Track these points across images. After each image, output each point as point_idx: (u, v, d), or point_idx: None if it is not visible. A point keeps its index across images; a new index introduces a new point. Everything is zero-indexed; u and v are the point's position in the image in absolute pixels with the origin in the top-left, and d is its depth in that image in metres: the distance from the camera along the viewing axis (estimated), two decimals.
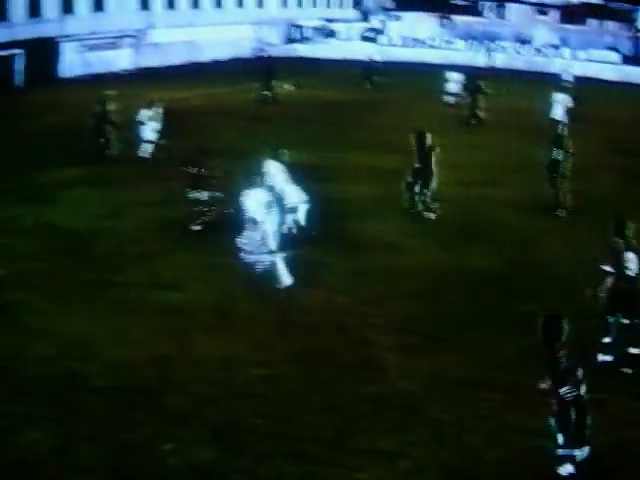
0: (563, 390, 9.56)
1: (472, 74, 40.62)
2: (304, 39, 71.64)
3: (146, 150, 28.46)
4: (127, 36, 57.39)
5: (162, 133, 28.75)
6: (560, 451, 9.82)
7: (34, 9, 51.79)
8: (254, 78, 42.91)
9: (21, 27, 50.36)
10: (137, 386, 12.44)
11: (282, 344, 13.98)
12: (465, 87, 39.40)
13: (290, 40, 71.15)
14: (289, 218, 18.64)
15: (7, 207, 21.62)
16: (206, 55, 61.25)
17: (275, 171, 18.60)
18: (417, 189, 21.47)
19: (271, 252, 16.18)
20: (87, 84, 46.47)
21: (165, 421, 11.51)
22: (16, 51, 49.03)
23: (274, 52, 62.65)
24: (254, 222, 16.23)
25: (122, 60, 56.67)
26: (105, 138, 27.59)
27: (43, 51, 50.44)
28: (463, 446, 11.12)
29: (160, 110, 29.09)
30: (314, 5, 76.22)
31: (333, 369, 13.07)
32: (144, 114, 28.95)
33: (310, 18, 73.00)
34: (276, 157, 19.06)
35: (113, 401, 11.98)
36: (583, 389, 9.77)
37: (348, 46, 67.50)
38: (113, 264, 17.86)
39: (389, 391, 12.48)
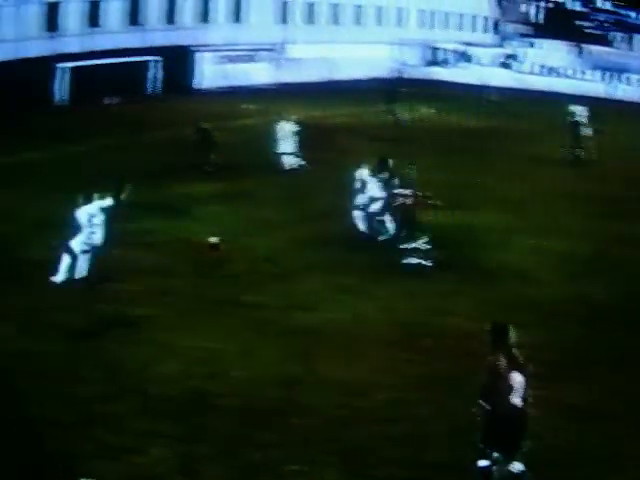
0: None
1: (595, 106, 39.21)
2: (442, 62, 71.13)
3: (287, 164, 28.92)
4: (265, 49, 57.81)
5: (299, 150, 29.20)
6: None
7: (170, 16, 52.91)
8: (389, 99, 43.12)
9: (156, 33, 51.50)
10: (264, 406, 12.54)
11: (410, 368, 13.98)
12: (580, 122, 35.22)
13: (428, 62, 70.79)
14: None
15: (140, 220, 21.96)
16: (344, 73, 60.58)
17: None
18: None
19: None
20: (222, 97, 47.40)
21: (291, 442, 11.57)
22: (150, 58, 50.13)
23: (412, 74, 62.46)
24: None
25: (259, 74, 56.83)
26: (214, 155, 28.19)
27: (178, 59, 51.14)
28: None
29: (296, 126, 29.52)
30: (454, 28, 75.43)
31: (459, 394, 13.00)
32: (282, 129, 29.40)
33: (449, 41, 72.36)
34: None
35: (240, 421, 12.10)
36: None
37: (484, 71, 66.59)
38: (246, 282, 18.09)
39: None
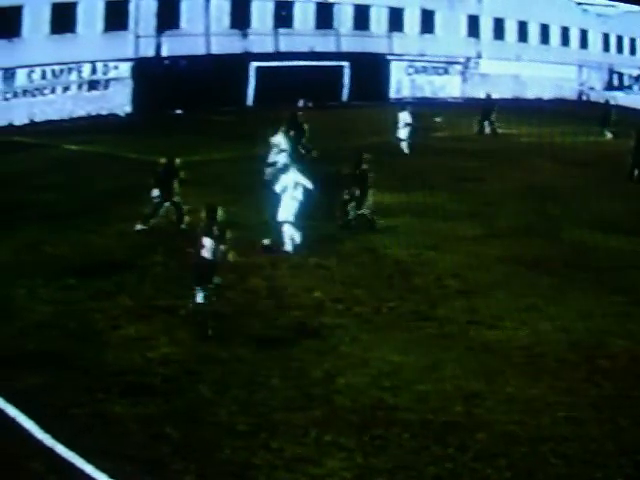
0: None
1: None
2: (624, 87, 69.36)
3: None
4: (454, 62, 58.18)
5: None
6: None
7: (361, 22, 53.86)
8: (576, 121, 42.66)
9: (348, 39, 52.62)
10: (444, 421, 12.88)
11: (587, 388, 14.15)
12: None
13: (610, 87, 69.17)
14: None
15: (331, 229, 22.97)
16: (530, 91, 60.57)
17: None
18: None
19: None
20: (414, 108, 47.78)
21: (469, 457, 11.88)
22: (344, 63, 51.23)
23: (594, 97, 61.05)
24: None
25: (447, 87, 57.56)
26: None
27: (370, 67, 52.21)
28: None
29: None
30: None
31: (631, 415, 13.13)
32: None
33: (633, 66, 70.45)
34: None
35: (419, 434, 12.46)
36: None
37: None
38: (432, 297, 18.51)
39: None
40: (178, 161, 22.84)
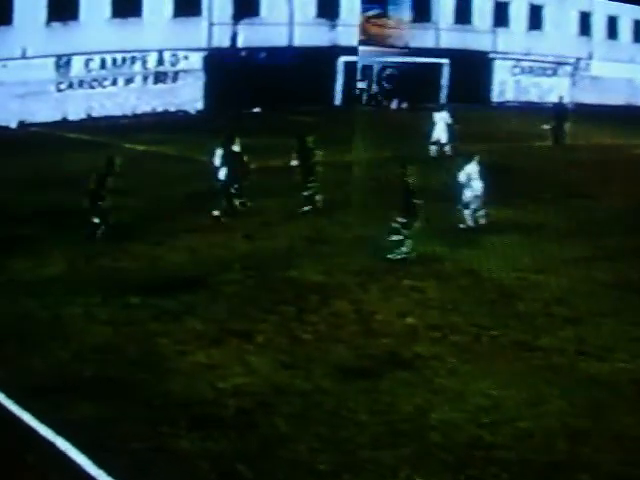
0: None
1: None
2: None
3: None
4: (565, 63, 57.69)
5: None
6: None
7: (463, 15, 53.62)
8: None
9: (447, 34, 52.48)
10: (546, 460, 12.86)
11: None
12: None
13: None
14: None
15: (427, 244, 23.13)
16: None
17: None
18: None
19: None
20: (516, 111, 47.66)
21: None
22: (443, 61, 51.09)
23: None
24: None
25: (558, 90, 55.78)
26: None
27: (472, 65, 51.88)
28: None
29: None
30: None
31: None
32: None
33: None
34: None
35: (519, 475, 12.47)
36: None
37: None
38: (537, 325, 18.49)
39: None
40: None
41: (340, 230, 24.84)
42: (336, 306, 19.08)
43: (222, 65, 45.34)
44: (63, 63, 41.55)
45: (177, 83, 45.00)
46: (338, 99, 48.94)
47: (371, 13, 52.08)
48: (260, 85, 44.70)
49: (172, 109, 44.46)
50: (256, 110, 45.03)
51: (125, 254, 22.04)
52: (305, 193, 26.79)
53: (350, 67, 48.62)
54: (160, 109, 44.14)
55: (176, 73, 44.96)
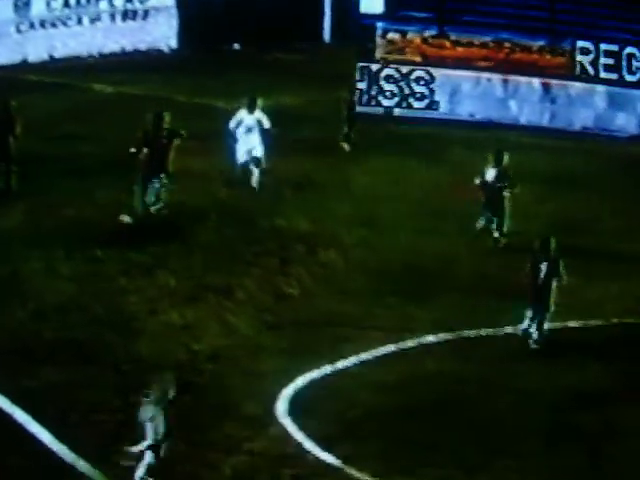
0: None
1: None
2: None
3: None
4: None
5: None
6: None
7: None
8: None
9: None
10: None
11: None
12: None
13: None
14: None
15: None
16: None
17: None
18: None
19: None
20: None
21: None
22: None
23: None
24: None
25: None
26: None
27: None
28: None
29: None
30: None
31: None
32: None
33: None
34: None
35: None
36: None
37: None
38: None
39: None
40: None
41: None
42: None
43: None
44: (22, 4, 41.39)
45: (148, 20, 44.56)
46: (327, 35, 48.27)
47: None
48: (240, 19, 44.18)
49: (143, 47, 43.96)
50: (236, 46, 44.53)
51: (90, 204, 21.39)
52: None
53: None
54: (130, 48, 43.66)
55: (146, 11, 44.61)
